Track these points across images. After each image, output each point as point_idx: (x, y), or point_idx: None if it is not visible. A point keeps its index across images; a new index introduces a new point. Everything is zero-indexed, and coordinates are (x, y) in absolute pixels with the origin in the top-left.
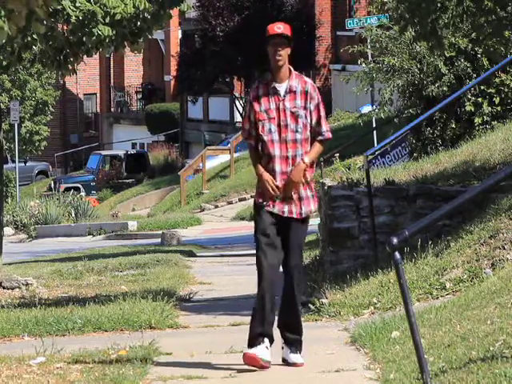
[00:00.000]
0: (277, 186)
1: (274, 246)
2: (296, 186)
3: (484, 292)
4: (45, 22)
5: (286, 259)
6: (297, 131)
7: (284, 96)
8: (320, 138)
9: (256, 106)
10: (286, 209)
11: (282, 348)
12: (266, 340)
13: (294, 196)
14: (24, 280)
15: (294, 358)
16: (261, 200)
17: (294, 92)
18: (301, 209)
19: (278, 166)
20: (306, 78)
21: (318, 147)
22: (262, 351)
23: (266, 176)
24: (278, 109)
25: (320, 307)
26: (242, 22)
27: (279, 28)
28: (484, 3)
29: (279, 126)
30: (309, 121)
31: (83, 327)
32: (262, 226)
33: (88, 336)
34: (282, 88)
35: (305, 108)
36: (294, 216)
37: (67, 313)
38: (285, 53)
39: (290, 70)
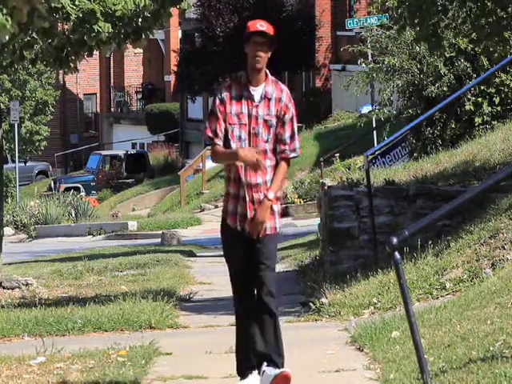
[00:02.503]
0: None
1: (246, 273)
2: (263, 225)
3: (484, 292)
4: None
5: (259, 282)
6: (267, 141)
7: (258, 102)
8: (293, 154)
9: (227, 108)
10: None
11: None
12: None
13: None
14: (24, 280)
15: (276, 371)
16: (227, 220)
17: (269, 99)
18: (275, 223)
19: (246, 177)
20: (283, 86)
21: (283, 171)
22: (255, 381)
23: (249, 150)
24: (249, 115)
25: (320, 307)
26: (242, 23)
27: (262, 26)
28: (486, 5)
29: (249, 134)
30: (276, 132)
31: (83, 327)
32: (231, 254)
33: (88, 336)
34: (256, 92)
35: (277, 117)
36: (268, 232)
37: (67, 313)
38: (265, 55)
39: (266, 74)
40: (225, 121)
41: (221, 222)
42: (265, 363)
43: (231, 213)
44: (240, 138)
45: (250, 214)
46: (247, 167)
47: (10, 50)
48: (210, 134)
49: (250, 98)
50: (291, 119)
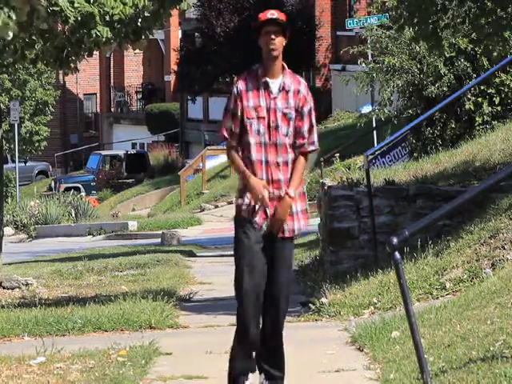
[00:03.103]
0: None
1: (259, 269)
2: (283, 222)
3: (484, 292)
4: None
5: (272, 286)
6: (287, 135)
7: (276, 94)
8: (312, 148)
9: (244, 101)
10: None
11: (260, 373)
12: (251, 376)
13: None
14: (24, 280)
15: None
16: (245, 216)
17: (287, 91)
18: (293, 225)
19: (266, 173)
20: (300, 78)
21: (302, 165)
22: None
23: (258, 185)
24: (268, 108)
25: (320, 307)
26: (243, 22)
27: (273, 14)
28: (485, 4)
29: (269, 127)
30: (296, 125)
31: (83, 327)
32: (246, 244)
33: (88, 336)
34: (274, 84)
35: (296, 110)
36: (286, 234)
37: (67, 313)
38: (279, 42)
39: (283, 66)
40: (242, 116)
41: (235, 217)
42: (263, 376)
43: (248, 205)
44: (259, 132)
45: (270, 212)
46: (269, 167)
47: (11, 50)
48: (225, 134)
49: (268, 89)
50: (309, 112)
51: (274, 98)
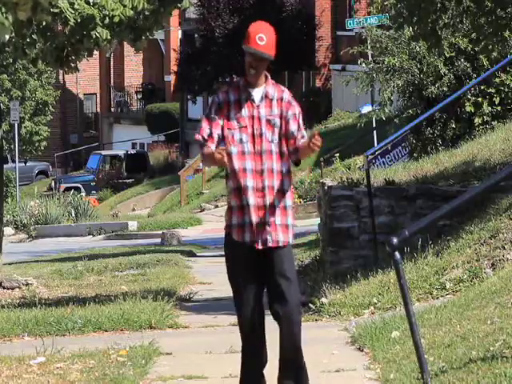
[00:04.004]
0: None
1: (252, 285)
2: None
3: (484, 292)
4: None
5: (280, 299)
6: (272, 142)
7: (259, 102)
8: (302, 140)
9: (225, 112)
10: (259, 238)
11: None
12: None
13: (271, 219)
14: (24, 280)
15: None
16: (236, 238)
17: (271, 100)
18: (277, 236)
19: (251, 181)
20: (283, 87)
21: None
22: None
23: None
24: (251, 117)
25: (320, 307)
26: (242, 23)
27: (261, 39)
28: (484, 3)
29: (253, 135)
30: (283, 132)
31: (83, 327)
32: (235, 266)
33: (88, 336)
34: (256, 93)
35: (281, 117)
36: (280, 244)
37: (67, 313)
38: (262, 67)
39: (266, 76)
40: (222, 126)
41: (224, 240)
42: None
43: (237, 225)
44: (241, 140)
45: (256, 221)
46: (254, 174)
47: (11, 48)
48: (203, 134)
49: (250, 99)
50: (295, 115)
51: (257, 106)
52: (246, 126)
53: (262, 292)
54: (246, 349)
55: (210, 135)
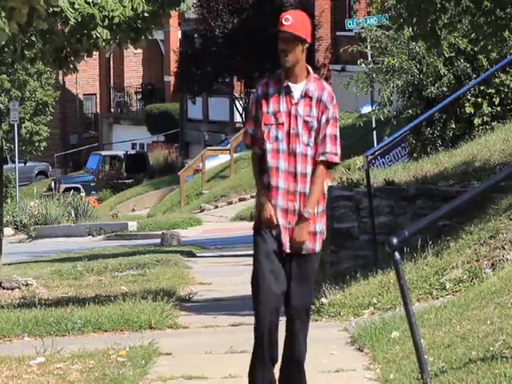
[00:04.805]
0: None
1: (277, 276)
2: (302, 244)
3: (484, 292)
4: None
5: (291, 303)
6: (308, 145)
7: (298, 100)
8: (334, 158)
9: (263, 107)
10: (286, 242)
11: None
12: None
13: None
14: (24, 280)
15: None
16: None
17: (311, 98)
18: (314, 244)
19: (283, 183)
20: (325, 84)
21: (320, 177)
22: None
23: (267, 210)
24: (288, 114)
25: (320, 307)
26: (242, 23)
27: (287, 20)
28: (483, 3)
29: (288, 134)
30: (319, 135)
31: (83, 327)
32: (264, 249)
33: (88, 336)
34: (296, 89)
35: (317, 120)
36: (304, 252)
37: (67, 313)
38: (293, 52)
39: (308, 71)
40: (260, 121)
41: (253, 235)
42: None
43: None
44: (277, 138)
45: (283, 223)
46: (287, 176)
47: (10, 50)
48: (247, 142)
49: (289, 94)
50: (327, 120)
51: (296, 103)
52: (282, 123)
53: (282, 296)
54: (258, 351)
55: (255, 140)
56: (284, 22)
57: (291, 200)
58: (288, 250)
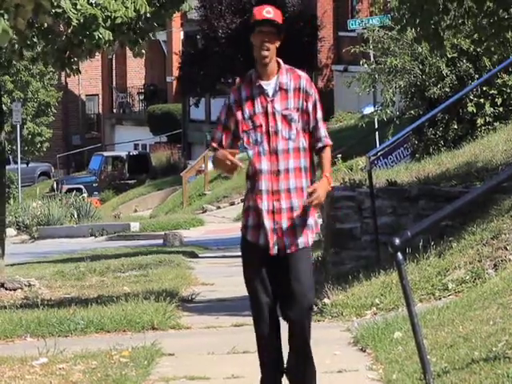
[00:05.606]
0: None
1: (266, 289)
2: (320, 202)
3: (486, 293)
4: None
5: (291, 302)
6: (289, 138)
7: (273, 96)
8: (319, 145)
9: (238, 115)
10: (274, 244)
11: None
12: None
13: (288, 224)
14: (26, 281)
15: None
16: (250, 239)
17: (286, 90)
18: (294, 240)
19: (265, 184)
20: (300, 72)
21: (329, 156)
22: None
23: (223, 156)
24: (265, 113)
25: (322, 308)
26: (244, 24)
27: (269, 12)
28: (486, 4)
29: (268, 133)
30: (302, 125)
31: (86, 328)
32: (249, 268)
33: (90, 337)
34: (269, 86)
35: (298, 110)
36: (288, 251)
37: (70, 314)
38: (273, 46)
39: (278, 64)
40: (236, 129)
41: (240, 241)
42: None
43: (252, 227)
44: (257, 141)
45: (270, 225)
46: (269, 176)
47: (9, 49)
48: (214, 145)
49: (263, 93)
50: (314, 106)
51: (271, 100)
52: (260, 125)
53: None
54: (262, 354)
55: (221, 143)
56: (266, 14)
57: (276, 200)
58: (275, 252)
